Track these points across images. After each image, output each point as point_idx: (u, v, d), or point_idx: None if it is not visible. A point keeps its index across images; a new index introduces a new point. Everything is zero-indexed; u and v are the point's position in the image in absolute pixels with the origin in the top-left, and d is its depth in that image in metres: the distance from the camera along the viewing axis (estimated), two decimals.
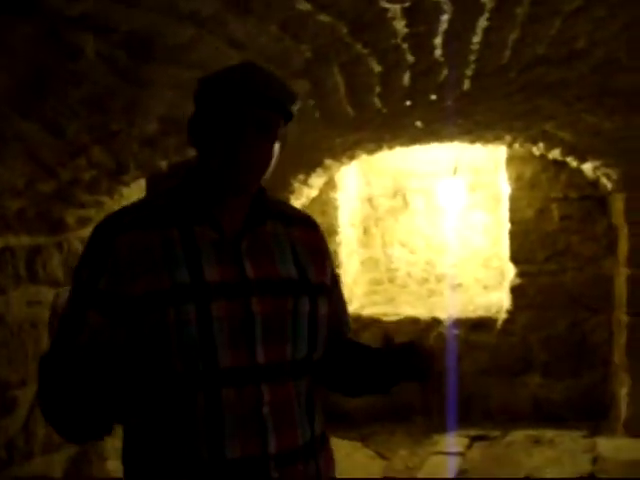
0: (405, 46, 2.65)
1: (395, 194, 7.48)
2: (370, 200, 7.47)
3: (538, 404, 6.39)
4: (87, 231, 3.50)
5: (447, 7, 2.26)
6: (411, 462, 5.55)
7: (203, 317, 1.60)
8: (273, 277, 1.70)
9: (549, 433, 5.82)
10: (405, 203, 7.48)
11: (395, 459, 5.56)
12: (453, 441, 5.76)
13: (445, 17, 2.35)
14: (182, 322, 1.59)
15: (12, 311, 3.03)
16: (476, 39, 2.79)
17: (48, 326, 3.21)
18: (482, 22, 2.54)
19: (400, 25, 2.34)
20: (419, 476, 5.28)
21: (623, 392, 5.84)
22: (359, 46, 2.47)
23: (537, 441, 5.71)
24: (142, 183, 4.19)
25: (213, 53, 2.09)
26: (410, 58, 2.86)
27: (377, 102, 3.54)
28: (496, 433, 5.95)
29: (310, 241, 1.82)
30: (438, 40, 2.69)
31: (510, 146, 5.75)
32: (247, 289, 1.66)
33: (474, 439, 5.85)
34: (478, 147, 6.22)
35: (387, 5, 2.07)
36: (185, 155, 3.41)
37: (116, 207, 3.79)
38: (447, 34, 2.61)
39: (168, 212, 1.69)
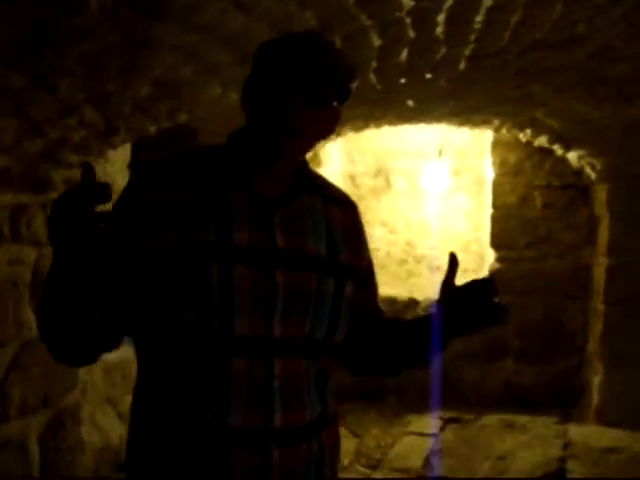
0: (408, 20, 2.62)
1: (378, 174, 7.46)
2: (353, 178, 7.44)
3: (511, 389, 6.42)
4: None
5: None
6: (383, 441, 5.57)
7: (224, 280, 1.57)
8: (302, 250, 1.66)
9: (522, 418, 5.86)
10: (388, 183, 7.46)
11: (367, 437, 5.58)
12: (426, 422, 5.79)
13: None
14: (204, 282, 1.56)
15: None
16: (479, 18, 2.76)
17: (29, 287, 3.20)
18: (487, 1, 2.51)
19: None
20: (391, 454, 5.30)
21: (596, 380, 5.88)
22: (364, 17, 2.43)
23: (510, 425, 5.74)
24: (128, 147, 4.14)
25: (219, 16, 2.05)
26: (411, 34, 2.83)
27: (372, 78, 3.51)
28: (469, 416, 5.98)
29: (347, 222, 1.78)
30: (442, 17, 2.66)
31: (497, 131, 5.74)
32: (274, 258, 1.62)
33: (447, 421, 5.87)
34: (463, 130, 6.21)
35: None
36: (176, 121, 3.37)
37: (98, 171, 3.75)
38: (451, 10, 2.59)
39: (204, 174, 1.65)
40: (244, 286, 1.59)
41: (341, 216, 1.78)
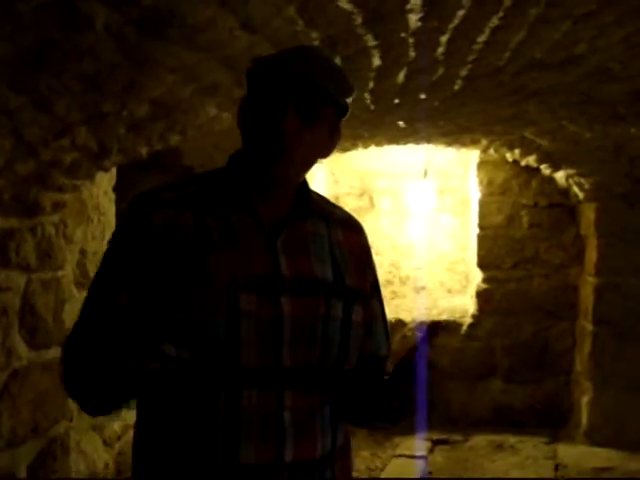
0: (411, 41, 2.58)
1: (362, 194, 7.42)
2: (337, 198, 7.39)
3: (499, 409, 6.39)
4: (61, 215, 3.38)
5: (466, 2, 2.19)
6: (373, 464, 5.50)
7: (231, 310, 1.51)
8: (308, 277, 1.61)
9: (511, 439, 5.83)
10: (372, 204, 7.43)
11: (357, 461, 5.50)
12: (415, 444, 5.73)
13: (461, 13, 2.28)
14: (209, 309, 1.50)
15: None
16: (481, 38, 2.72)
17: (18, 314, 3.11)
18: (494, 21, 2.47)
19: (414, 18, 2.26)
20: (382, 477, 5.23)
21: (584, 400, 5.86)
22: (369, 38, 2.39)
23: (499, 446, 5.71)
24: (114, 169, 4.07)
25: (225, 36, 2.00)
26: (412, 54, 2.79)
27: (367, 98, 3.47)
28: (458, 437, 5.93)
29: (352, 245, 1.73)
30: (445, 37, 2.62)
31: (485, 150, 5.73)
32: (279, 286, 1.57)
33: (436, 443, 5.82)
34: (448, 151, 6.19)
35: None
36: (168, 142, 3.30)
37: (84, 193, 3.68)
38: (456, 31, 2.55)
39: (206, 196, 1.60)
40: (250, 315, 1.53)
41: (346, 238, 1.73)
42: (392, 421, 1.74)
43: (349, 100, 1.62)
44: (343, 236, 1.72)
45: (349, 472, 1.75)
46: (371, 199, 7.41)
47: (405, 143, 5.52)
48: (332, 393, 1.65)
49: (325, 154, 1.66)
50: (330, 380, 1.64)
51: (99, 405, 1.63)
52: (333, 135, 1.64)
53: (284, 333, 1.56)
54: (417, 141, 5.44)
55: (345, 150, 5.49)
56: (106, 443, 4.17)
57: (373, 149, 5.73)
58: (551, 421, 6.24)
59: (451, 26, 2.47)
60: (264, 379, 1.54)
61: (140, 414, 1.67)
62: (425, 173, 7.16)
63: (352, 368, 1.67)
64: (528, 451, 5.61)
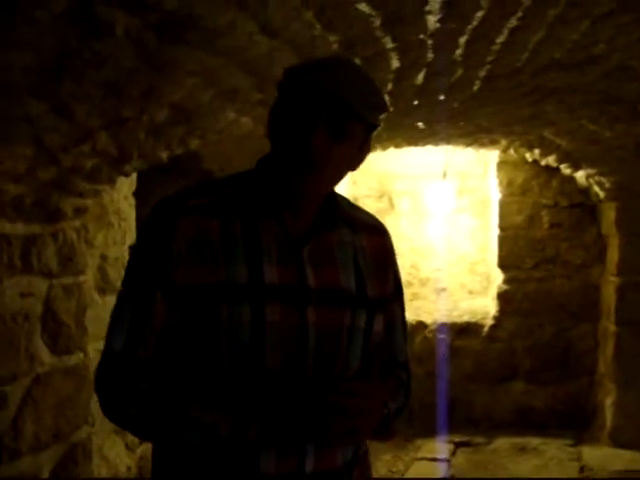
0: (430, 43, 2.57)
1: (381, 196, 7.41)
2: (356, 200, 7.38)
3: (521, 411, 6.35)
4: (82, 221, 3.40)
5: (485, 3, 2.18)
6: (395, 467, 5.48)
7: (257, 320, 1.52)
8: (334, 287, 1.61)
9: (534, 441, 5.79)
10: (391, 205, 7.41)
11: (379, 464, 5.49)
12: (437, 447, 5.71)
13: (480, 14, 2.27)
14: (235, 322, 1.51)
15: (5, 302, 2.90)
16: (500, 39, 2.71)
17: (40, 320, 3.12)
18: (512, 21, 2.46)
19: (433, 20, 2.26)
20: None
21: (609, 402, 5.82)
22: (387, 40, 2.38)
23: (522, 448, 5.68)
24: (134, 174, 4.08)
25: (244, 40, 2.00)
26: (430, 56, 2.78)
27: (386, 100, 3.46)
28: (480, 439, 5.91)
29: (375, 249, 1.72)
30: (463, 39, 2.61)
31: (505, 151, 5.71)
32: (305, 296, 1.57)
33: (458, 445, 5.79)
34: (467, 151, 6.17)
35: None
36: (188, 147, 3.31)
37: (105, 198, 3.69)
38: (474, 32, 2.54)
39: (233, 204, 1.60)
40: (275, 325, 1.53)
41: (369, 243, 1.72)
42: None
43: (381, 116, 1.61)
44: (367, 241, 1.71)
45: (367, 476, 1.75)
46: (390, 201, 7.40)
47: (424, 144, 5.51)
48: None
49: (354, 168, 1.66)
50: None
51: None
52: (362, 149, 1.63)
53: (309, 343, 1.56)
54: (436, 142, 5.43)
55: None
56: (128, 447, 4.17)
57: (392, 150, 5.72)
58: (574, 423, 6.20)
59: (470, 27, 2.46)
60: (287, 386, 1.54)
61: None
62: (444, 174, 7.15)
63: (375, 375, 1.65)
64: (552, 453, 5.58)
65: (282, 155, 1.56)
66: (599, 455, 5.48)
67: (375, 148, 5.34)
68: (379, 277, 1.71)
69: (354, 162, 1.64)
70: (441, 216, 7.20)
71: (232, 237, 1.56)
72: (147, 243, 1.60)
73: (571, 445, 5.77)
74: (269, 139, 1.63)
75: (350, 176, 7.31)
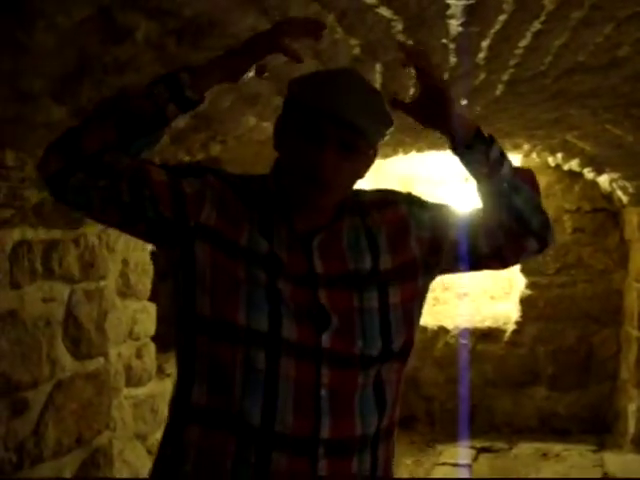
0: (452, 47, 2.55)
1: None
2: None
3: (543, 417, 6.31)
4: (103, 226, 3.40)
5: (507, 7, 2.16)
6: (416, 472, 5.46)
7: (272, 288, 1.56)
8: (340, 272, 1.63)
9: (556, 447, 5.75)
10: None
11: (400, 469, 5.46)
12: (459, 452, 5.67)
13: (502, 17, 2.25)
14: (253, 282, 1.56)
15: (26, 307, 2.91)
16: (523, 43, 2.69)
17: (62, 325, 3.13)
18: (536, 25, 2.44)
19: (455, 24, 2.24)
20: None
21: (632, 408, 5.76)
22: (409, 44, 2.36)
23: (545, 454, 5.63)
24: None
25: None
26: (452, 60, 2.76)
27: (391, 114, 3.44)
28: (502, 445, 5.87)
29: (390, 222, 1.71)
30: (486, 43, 2.59)
31: (527, 155, 5.67)
32: (313, 282, 1.60)
33: (480, 451, 5.76)
34: None
35: (451, 1, 1.98)
36: (209, 152, 3.31)
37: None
38: (497, 36, 2.52)
39: (254, 194, 1.65)
40: (289, 300, 1.57)
41: (382, 217, 1.71)
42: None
43: (387, 131, 1.63)
44: (380, 216, 1.70)
45: (390, 459, 1.73)
46: None
47: (447, 149, 5.47)
48: (378, 375, 1.64)
49: (363, 177, 1.68)
50: (375, 364, 1.63)
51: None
52: (370, 158, 1.66)
53: (331, 320, 1.58)
54: None
55: (386, 156, 5.46)
56: (149, 452, 4.18)
57: (413, 154, 5.70)
58: (596, 429, 6.15)
59: (492, 31, 2.43)
60: (302, 354, 1.57)
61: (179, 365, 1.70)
62: (466, 178, 7.10)
63: (400, 350, 1.67)
64: (574, 459, 5.53)
65: (291, 170, 1.60)
66: (622, 461, 5.42)
67: (397, 152, 5.32)
68: (397, 246, 1.69)
69: (362, 172, 1.67)
70: None
71: (250, 218, 1.62)
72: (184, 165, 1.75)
73: (593, 451, 5.72)
74: (276, 150, 1.67)
75: (371, 179, 7.29)
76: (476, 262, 1.77)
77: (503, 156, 1.69)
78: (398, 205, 1.74)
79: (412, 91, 3.18)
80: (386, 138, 1.66)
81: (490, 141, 1.67)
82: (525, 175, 1.77)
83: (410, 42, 2.05)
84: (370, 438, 1.63)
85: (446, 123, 1.64)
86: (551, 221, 1.78)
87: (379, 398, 1.65)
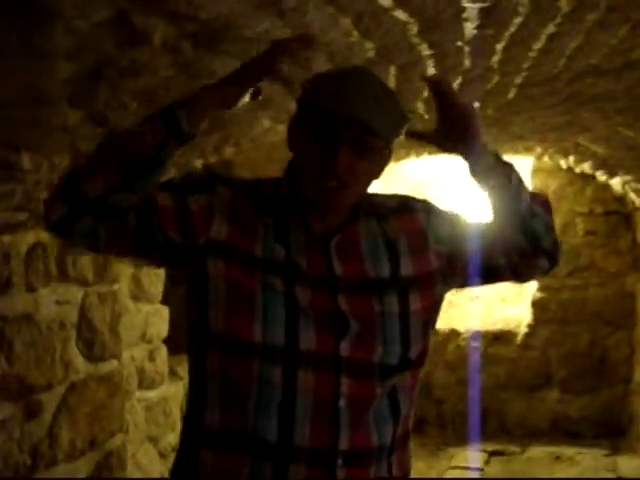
0: (467, 49, 2.54)
1: None
2: None
3: (555, 420, 6.29)
4: None
5: (523, 9, 2.15)
6: (428, 476, 5.44)
7: (289, 299, 1.55)
8: (360, 277, 1.62)
9: (569, 450, 5.73)
10: None
11: (411, 472, 5.44)
12: (470, 455, 5.66)
13: (518, 20, 2.25)
14: (270, 291, 1.55)
15: (41, 310, 2.92)
16: (537, 45, 2.68)
17: (76, 327, 3.14)
18: (550, 27, 2.43)
19: (470, 27, 2.24)
20: None
21: None
22: (424, 47, 2.36)
23: (557, 458, 5.61)
24: None
25: None
26: (466, 63, 2.76)
27: (421, 107, 3.44)
28: (514, 448, 5.85)
29: (408, 230, 1.69)
30: (500, 45, 2.58)
31: (539, 158, 5.66)
32: (333, 286, 1.58)
33: (492, 454, 5.74)
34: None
35: (467, 4, 1.97)
36: (222, 155, 3.31)
37: None
38: (511, 39, 2.51)
39: (267, 198, 1.64)
40: (307, 307, 1.56)
41: (401, 224, 1.70)
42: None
43: (402, 130, 1.61)
44: (398, 223, 1.69)
45: (407, 464, 1.73)
46: None
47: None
48: (394, 383, 1.63)
49: (378, 177, 1.66)
50: (392, 372, 1.62)
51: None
52: (385, 158, 1.65)
53: (350, 326, 1.57)
54: None
55: (399, 159, 5.46)
56: (161, 455, 4.19)
57: (425, 157, 5.70)
58: (609, 432, 6.13)
59: (507, 34, 2.43)
60: (321, 365, 1.56)
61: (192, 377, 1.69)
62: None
63: (423, 354, 1.67)
64: (587, 463, 5.51)
65: (306, 172, 1.59)
66: (635, 465, 5.40)
67: (409, 155, 5.32)
68: (417, 256, 1.68)
69: (378, 172, 1.65)
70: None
71: (266, 225, 1.60)
72: (187, 180, 1.66)
73: (607, 455, 5.69)
74: (291, 151, 1.66)
75: (383, 182, 7.28)
76: (491, 278, 1.78)
77: (521, 180, 1.71)
78: (416, 214, 1.73)
79: (425, 93, 3.18)
80: (401, 137, 1.66)
81: (509, 165, 1.69)
82: (540, 198, 1.80)
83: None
84: (387, 448, 1.63)
85: (470, 148, 1.64)
86: (560, 240, 1.82)
87: (394, 409, 1.64)
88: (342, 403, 1.56)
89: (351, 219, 1.65)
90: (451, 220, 1.76)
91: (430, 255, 1.70)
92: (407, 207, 1.74)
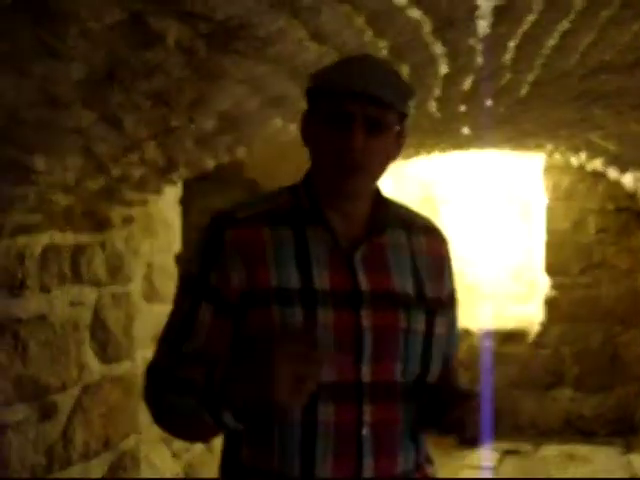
0: (479, 47, 2.54)
1: (424, 201, 7.35)
2: None
3: (569, 418, 6.27)
4: (130, 230, 3.41)
5: (537, 7, 2.15)
6: (442, 475, 5.42)
7: (309, 322, 1.51)
8: (387, 291, 1.59)
9: (582, 449, 5.71)
10: (434, 211, 7.35)
11: None
12: (484, 455, 5.64)
13: (532, 17, 2.24)
14: (287, 324, 1.51)
15: (55, 311, 2.92)
16: (550, 43, 2.67)
17: (90, 329, 3.14)
18: (564, 24, 2.42)
19: (484, 25, 2.23)
20: None
21: None
22: (437, 45, 2.36)
23: (571, 457, 5.59)
24: (179, 183, 4.09)
25: (294, 47, 1.99)
26: (479, 61, 2.75)
27: (433, 106, 3.43)
28: (527, 447, 5.84)
29: (434, 253, 1.70)
30: (513, 43, 2.58)
31: (550, 155, 5.64)
32: (357, 301, 1.55)
33: (505, 453, 5.72)
34: (511, 156, 6.11)
35: (481, 2, 1.96)
36: (235, 155, 3.31)
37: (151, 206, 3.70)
38: (525, 36, 2.50)
39: (282, 212, 1.61)
40: (328, 328, 1.52)
41: (429, 246, 1.70)
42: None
43: (411, 103, 1.63)
44: (426, 244, 1.69)
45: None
46: (434, 206, 7.34)
47: (469, 149, 5.47)
48: (413, 407, 1.62)
49: (394, 157, 1.67)
50: (412, 394, 1.61)
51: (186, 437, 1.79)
52: (400, 137, 1.65)
53: (364, 347, 1.54)
54: (481, 146, 5.38)
55: (409, 157, 5.46)
56: (174, 455, 4.18)
57: (436, 156, 5.69)
58: (623, 430, 6.10)
59: (520, 31, 2.42)
60: (343, 394, 1.53)
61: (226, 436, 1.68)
62: (490, 179, 7.08)
63: (434, 380, 1.65)
64: (601, 461, 5.49)
65: (323, 160, 1.59)
66: None
67: (419, 153, 5.31)
68: (436, 280, 1.68)
69: (393, 152, 1.65)
70: (486, 222, 7.12)
71: (283, 243, 1.57)
72: (198, 255, 1.62)
73: (620, 453, 5.67)
74: (306, 146, 1.65)
75: (393, 181, 7.27)
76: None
77: None
78: (442, 239, 1.75)
79: (437, 92, 3.17)
80: (411, 111, 1.66)
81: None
82: None
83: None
84: (411, 472, 1.62)
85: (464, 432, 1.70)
86: None
87: (414, 432, 1.63)
88: (365, 432, 1.54)
89: (376, 229, 1.63)
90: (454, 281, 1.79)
91: (445, 283, 1.71)
92: (435, 229, 1.76)
